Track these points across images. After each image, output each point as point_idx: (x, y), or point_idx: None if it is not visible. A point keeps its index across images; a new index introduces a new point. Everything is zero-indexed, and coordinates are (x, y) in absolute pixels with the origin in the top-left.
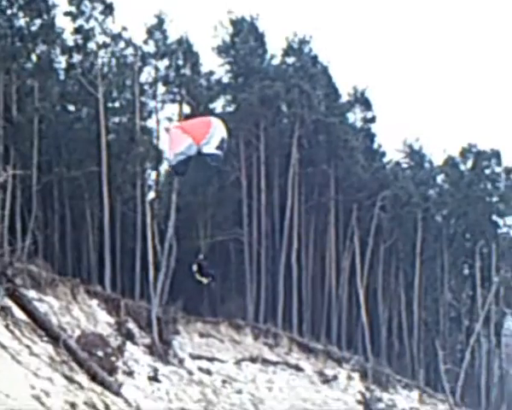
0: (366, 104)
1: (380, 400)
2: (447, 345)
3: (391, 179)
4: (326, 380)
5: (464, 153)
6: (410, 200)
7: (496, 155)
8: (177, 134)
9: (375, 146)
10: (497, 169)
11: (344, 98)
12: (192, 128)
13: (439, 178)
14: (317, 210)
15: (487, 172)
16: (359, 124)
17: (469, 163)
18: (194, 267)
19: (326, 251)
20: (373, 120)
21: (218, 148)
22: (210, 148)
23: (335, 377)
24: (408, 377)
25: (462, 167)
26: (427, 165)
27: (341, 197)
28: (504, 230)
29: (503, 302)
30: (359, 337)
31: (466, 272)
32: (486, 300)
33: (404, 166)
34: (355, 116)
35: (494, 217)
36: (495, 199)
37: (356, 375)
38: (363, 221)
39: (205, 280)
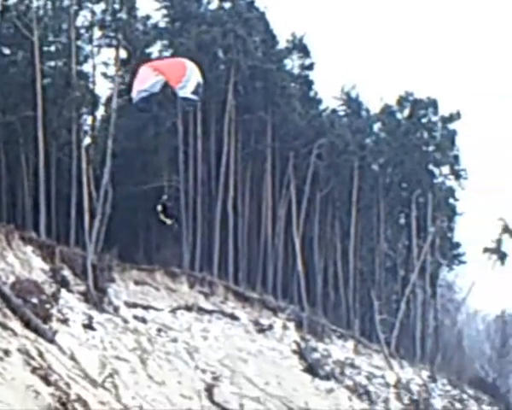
0: (304, 51)
1: (315, 350)
2: (383, 295)
3: (327, 127)
4: (261, 329)
5: (401, 101)
6: (347, 148)
7: (433, 103)
8: (145, 72)
9: (312, 93)
10: (434, 118)
11: (282, 45)
12: (167, 69)
13: (376, 127)
14: (253, 157)
15: (424, 120)
16: (297, 71)
17: (406, 112)
18: (159, 207)
19: (262, 199)
20: (311, 67)
21: (194, 93)
22: (186, 92)
23: (271, 327)
24: (343, 328)
25: (399, 116)
26: (363, 113)
27: (278, 145)
28: (440, 179)
29: (439, 253)
30: (295, 287)
31: (402, 221)
32: (422, 250)
33: (341, 113)
34: (293, 63)
35: (430, 166)
36: (431, 148)
37: (291, 325)
38: (300, 169)
39: (169, 221)
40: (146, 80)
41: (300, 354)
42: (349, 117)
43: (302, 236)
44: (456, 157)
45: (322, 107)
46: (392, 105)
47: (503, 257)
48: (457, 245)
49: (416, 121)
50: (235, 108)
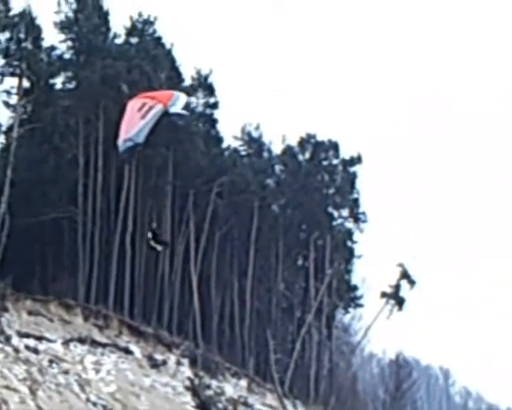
0: (209, 89)
1: (208, 387)
2: (278, 335)
3: (229, 166)
4: (155, 365)
5: (303, 143)
6: (248, 188)
7: (334, 146)
8: (131, 113)
9: (215, 132)
10: (335, 161)
11: (187, 82)
12: (155, 95)
13: (278, 168)
14: (153, 193)
15: (325, 163)
16: (201, 109)
17: (307, 154)
18: (150, 235)
19: (161, 235)
20: (215, 105)
21: (184, 108)
22: (176, 108)
23: (165, 362)
24: (238, 366)
25: (301, 158)
26: (265, 153)
27: (179, 182)
28: (339, 222)
29: (336, 295)
30: (190, 323)
31: (300, 262)
32: (319, 292)
33: (243, 153)
34: (197, 101)
35: (330, 209)
36: (331, 191)
37: (185, 361)
38: (200, 207)
39: (159, 247)
40: (132, 126)
41: (193, 390)
42: (251, 157)
43: (199, 273)
44: (355, 200)
45: (224, 145)
46: (294, 146)
47: (400, 302)
48: (354, 288)
49: (317, 163)
50: None
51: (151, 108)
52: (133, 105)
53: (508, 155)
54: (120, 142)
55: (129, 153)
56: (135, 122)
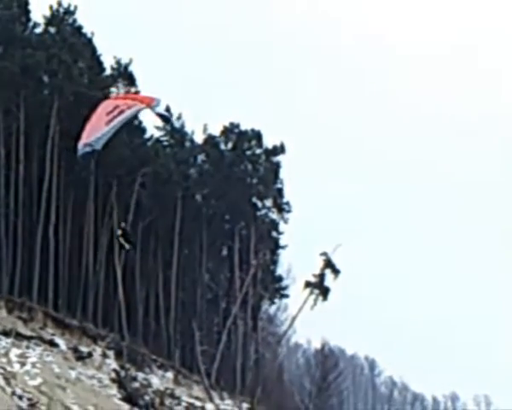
0: (130, 79)
1: (134, 379)
2: (204, 326)
3: (152, 156)
4: (80, 357)
5: (226, 133)
6: (171, 178)
7: (257, 136)
8: (100, 115)
9: (137, 122)
10: (258, 151)
11: (108, 72)
12: (135, 96)
13: (200, 158)
14: (76, 184)
15: (248, 153)
16: None
17: (230, 143)
18: (119, 232)
19: (84, 226)
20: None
21: (167, 111)
22: (160, 109)
23: (90, 355)
24: (164, 358)
25: (224, 147)
26: (187, 143)
27: (101, 172)
28: (263, 212)
29: (261, 286)
30: (116, 315)
31: (224, 253)
32: (244, 282)
33: (166, 143)
34: (118, 91)
35: (254, 199)
36: (255, 181)
37: (111, 353)
38: (123, 198)
39: (127, 246)
40: (96, 130)
41: (120, 382)
42: (173, 147)
43: (124, 264)
44: (279, 190)
45: (146, 136)
46: (217, 136)
47: (325, 292)
48: (280, 278)
49: (240, 153)
50: (59, 133)
51: (122, 111)
52: (105, 106)
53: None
54: (80, 145)
55: (86, 158)
56: (99, 126)
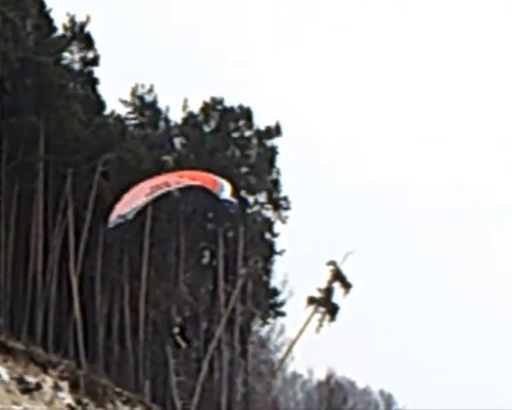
0: (87, 41)
1: None
2: (180, 352)
3: (116, 139)
4: (27, 389)
5: (207, 110)
6: (140, 166)
7: (246, 114)
8: (143, 187)
9: (96, 96)
10: (248, 132)
11: (60, 32)
12: (193, 174)
13: (177, 141)
14: (21, 173)
15: (235, 135)
16: (78, 66)
17: (213, 123)
18: (176, 330)
19: (31, 226)
20: (95, 61)
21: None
22: (226, 194)
23: (39, 386)
24: (130, 391)
25: (205, 128)
26: (162, 123)
27: (53, 158)
28: (255, 209)
29: (252, 301)
30: (71, 337)
31: (206, 260)
32: (231, 297)
33: (134, 122)
34: (73, 56)
35: (243, 193)
36: (244, 170)
37: (65, 384)
38: (80, 190)
39: (183, 344)
40: (132, 201)
41: None
42: (143, 127)
43: (81, 274)
44: (275, 182)
45: (108, 113)
46: (197, 114)
47: (333, 311)
48: (275, 292)
49: (225, 136)
50: (1, 109)
51: (168, 185)
52: (154, 180)
53: None
54: (113, 217)
55: (116, 229)
56: (138, 198)
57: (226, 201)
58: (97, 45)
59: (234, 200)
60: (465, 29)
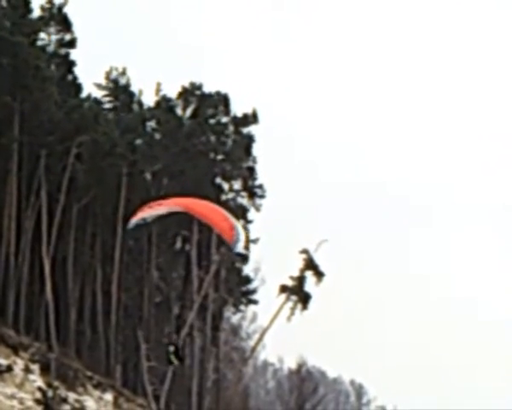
0: (64, 23)
1: (64, 400)
2: (152, 337)
3: (90, 122)
4: None
5: (185, 95)
6: (114, 149)
7: (223, 100)
8: (167, 202)
9: (72, 78)
10: (225, 119)
11: (36, 13)
12: (209, 214)
13: (150, 125)
14: None
15: (212, 121)
16: (54, 48)
17: (190, 109)
18: (171, 348)
19: (4, 207)
20: (72, 44)
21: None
22: (240, 246)
23: (9, 369)
24: (101, 375)
25: (181, 113)
26: (135, 107)
27: (27, 139)
28: (230, 196)
29: (224, 288)
30: (42, 320)
31: (179, 246)
32: (203, 283)
33: (108, 106)
34: (49, 38)
35: (218, 179)
36: (220, 157)
37: (36, 367)
38: (54, 172)
39: (176, 361)
40: (155, 209)
41: (46, 405)
42: (117, 111)
43: (53, 256)
44: (251, 170)
45: (83, 95)
46: (173, 99)
47: (305, 299)
48: (247, 280)
49: (202, 121)
50: None
51: (191, 208)
52: (182, 200)
53: None
54: (134, 219)
55: (136, 230)
56: (161, 208)
57: (239, 254)
58: (75, 28)
59: (243, 252)
60: (465, 29)
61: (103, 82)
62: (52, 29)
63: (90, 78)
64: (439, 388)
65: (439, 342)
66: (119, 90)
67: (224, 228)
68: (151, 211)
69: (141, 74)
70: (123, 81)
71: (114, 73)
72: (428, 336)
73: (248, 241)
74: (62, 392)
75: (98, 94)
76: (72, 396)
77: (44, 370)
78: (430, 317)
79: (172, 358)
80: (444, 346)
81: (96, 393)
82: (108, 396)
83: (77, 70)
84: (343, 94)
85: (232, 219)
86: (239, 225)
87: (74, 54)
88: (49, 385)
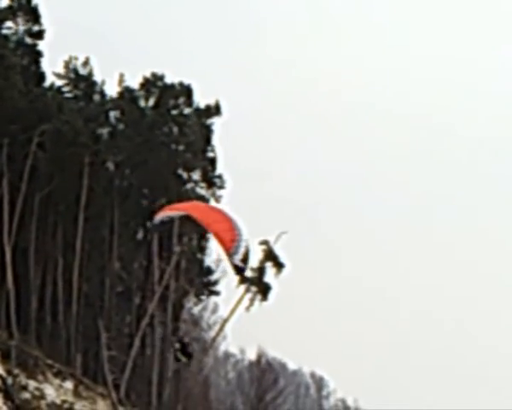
0: (33, 14)
1: (24, 388)
2: (112, 327)
3: (53, 111)
4: None
5: (147, 85)
6: (77, 139)
7: (186, 91)
8: (188, 206)
9: (35, 67)
10: (187, 110)
11: (5, 2)
12: (214, 223)
13: (113, 115)
14: None
15: (174, 112)
16: (20, 37)
17: (152, 99)
18: (177, 345)
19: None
20: (40, 35)
21: (244, 260)
22: (237, 259)
23: None
24: (62, 363)
25: (143, 104)
26: (97, 97)
27: None
28: (190, 186)
29: (185, 278)
30: (3, 307)
31: (140, 236)
32: (164, 274)
33: (70, 95)
34: (17, 27)
35: (179, 170)
36: (182, 147)
37: None
38: (16, 161)
39: (184, 359)
40: (179, 210)
41: (6, 392)
42: (78, 100)
43: (14, 244)
44: (211, 160)
45: (47, 84)
46: (136, 89)
47: (265, 290)
48: (209, 270)
49: (164, 112)
50: None
51: (200, 221)
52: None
53: None
54: (160, 216)
55: (162, 224)
56: (184, 210)
57: (237, 267)
58: (44, 19)
59: (243, 266)
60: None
61: (62, 71)
62: (20, 19)
63: (55, 68)
64: (401, 380)
65: (400, 333)
66: (79, 79)
67: (225, 239)
68: (174, 211)
69: (104, 65)
70: (84, 71)
71: (74, 63)
72: (390, 328)
73: (247, 257)
74: (22, 380)
75: (61, 83)
76: (32, 384)
77: (5, 357)
78: (390, 307)
79: (179, 355)
80: (405, 336)
81: (56, 381)
82: (69, 384)
83: (43, 60)
84: None
85: (237, 233)
86: (243, 239)
87: (42, 45)
88: (9, 373)
